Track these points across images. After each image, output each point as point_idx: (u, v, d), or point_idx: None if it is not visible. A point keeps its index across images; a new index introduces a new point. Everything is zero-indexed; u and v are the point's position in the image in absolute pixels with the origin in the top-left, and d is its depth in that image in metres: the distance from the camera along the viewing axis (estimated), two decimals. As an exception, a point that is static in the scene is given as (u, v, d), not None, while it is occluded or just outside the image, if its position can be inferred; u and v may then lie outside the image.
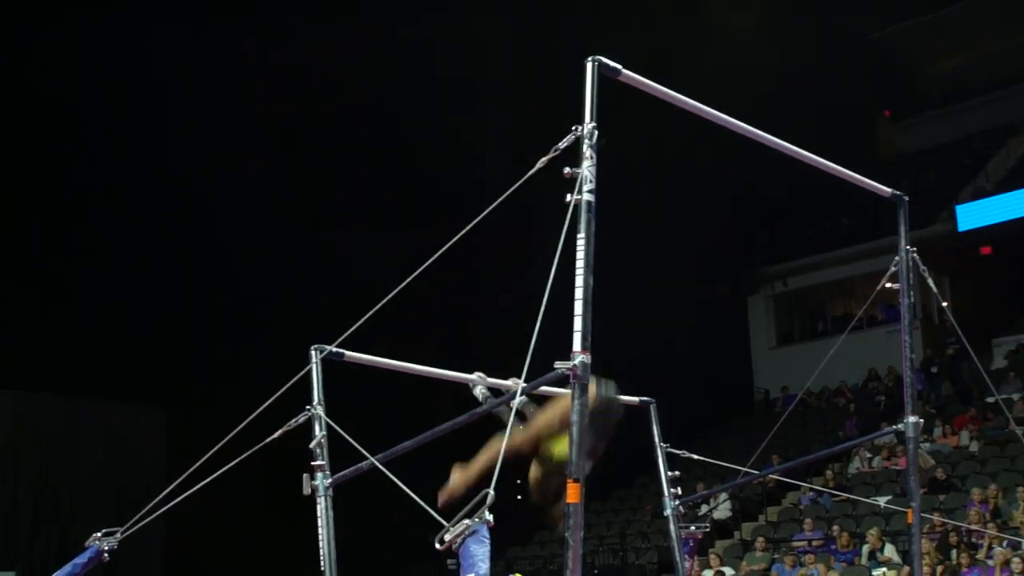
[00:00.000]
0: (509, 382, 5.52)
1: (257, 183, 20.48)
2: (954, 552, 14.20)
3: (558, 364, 4.04)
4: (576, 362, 4.02)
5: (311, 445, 4.97)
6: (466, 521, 3.63)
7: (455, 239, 4.77)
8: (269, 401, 5.16)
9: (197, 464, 5.28)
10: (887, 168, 27.25)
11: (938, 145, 28.96)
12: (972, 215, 23.43)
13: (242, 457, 5.34)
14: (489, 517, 3.64)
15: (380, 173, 22.41)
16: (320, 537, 4.91)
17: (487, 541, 3.67)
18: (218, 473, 5.33)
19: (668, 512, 7.76)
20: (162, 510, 5.52)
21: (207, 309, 20.33)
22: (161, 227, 20.28)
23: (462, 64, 21.60)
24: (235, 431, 5.24)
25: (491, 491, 3.65)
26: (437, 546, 3.68)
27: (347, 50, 20.55)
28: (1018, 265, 25.50)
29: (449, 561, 18.00)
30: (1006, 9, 28.22)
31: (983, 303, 24.16)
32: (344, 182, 21.71)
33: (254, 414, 5.14)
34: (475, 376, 5.55)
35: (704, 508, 18.11)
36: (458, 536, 3.61)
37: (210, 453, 5.39)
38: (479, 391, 5.47)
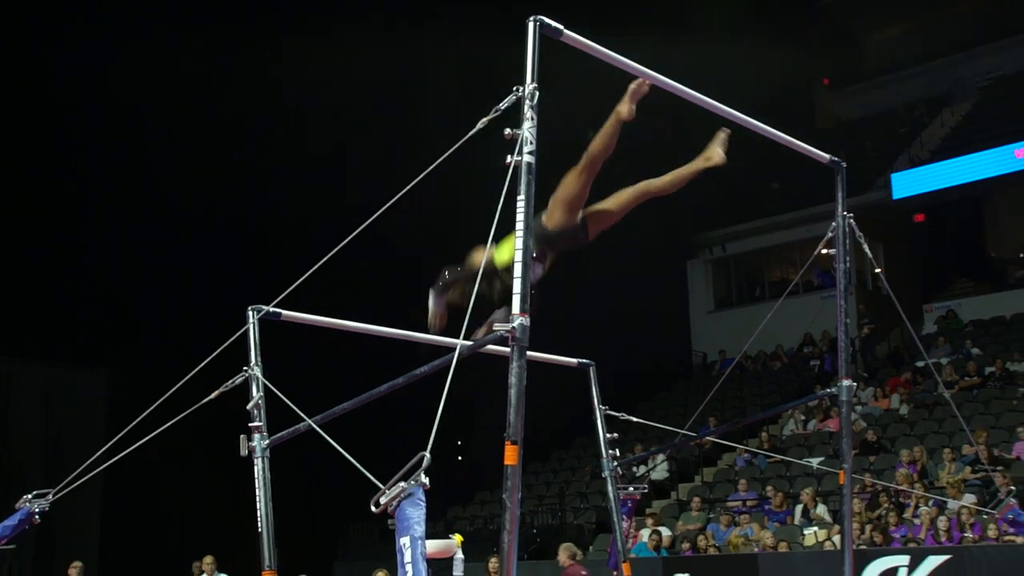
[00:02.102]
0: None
1: (196, 142, 20.16)
2: (883, 512, 14.47)
3: (497, 325, 4.01)
4: (515, 324, 3.98)
5: (248, 406, 4.90)
6: (401, 484, 3.60)
7: (393, 199, 4.70)
8: (204, 362, 5.06)
9: (131, 425, 5.19)
10: (825, 135, 27.53)
11: (876, 114, 29.31)
12: (907, 183, 23.65)
13: (177, 419, 5.26)
14: (425, 480, 3.61)
15: (317, 137, 22.13)
16: (258, 498, 4.86)
17: (422, 504, 3.64)
18: (152, 435, 5.24)
19: (606, 473, 7.81)
20: (96, 471, 5.42)
21: (148, 270, 20.00)
22: (100, 188, 19.90)
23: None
24: (169, 392, 5.15)
25: (427, 454, 3.62)
26: (373, 509, 3.64)
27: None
28: (950, 233, 25.98)
29: (389, 521, 18.09)
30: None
31: (915, 269, 24.57)
32: (282, 145, 21.48)
33: (189, 375, 5.06)
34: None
35: (642, 469, 18.29)
36: (393, 499, 3.59)
37: (144, 414, 5.30)
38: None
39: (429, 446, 3.60)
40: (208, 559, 13.19)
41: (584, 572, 11.66)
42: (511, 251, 4.23)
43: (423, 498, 3.65)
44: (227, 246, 20.35)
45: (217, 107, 20.58)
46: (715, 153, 5.25)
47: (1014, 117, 24.65)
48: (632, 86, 4.94)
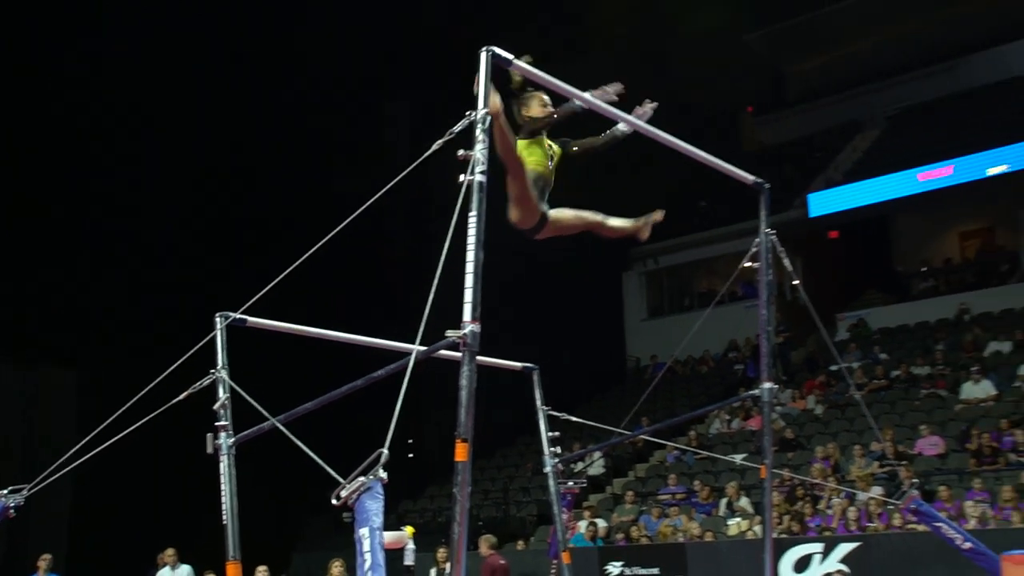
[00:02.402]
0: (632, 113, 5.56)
1: (167, 148, 19.89)
2: (800, 503, 14.64)
3: (449, 332, 4.02)
4: (466, 331, 4.00)
5: (215, 407, 4.86)
6: (361, 478, 3.60)
7: (355, 214, 4.70)
8: (174, 366, 5.01)
9: (103, 426, 5.11)
10: (749, 158, 27.79)
11: (795, 139, 29.64)
12: (822, 202, 23.92)
13: (146, 419, 5.19)
14: (383, 474, 3.61)
15: (286, 150, 21.95)
16: (223, 493, 4.82)
17: (381, 497, 3.64)
18: (122, 434, 5.16)
19: (548, 469, 7.83)
20: (68, 468, 5.33)
21: (119, 274, 19.68)
22: (72, 193, 19.53)
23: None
24: (140, 395, 5.08)
25: (385, 451, 3.62)
26: (334, 502, 3.63)
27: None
28: (860, 248, 26.30)
29: (344, 515, 17.94)
30: (856, 18, 29.04)
31: (830, 282, 24.84)
32: (260, 158, 21.27)
33: (158, 379, 5.00)
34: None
35: (580, 465, 18.32)
36: (354, 492, 3.58)
37: (115, 416, 5.22)
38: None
39: (387, 443, 3.60)
40: (170, 551, 12.97)
41: (502, 561, 11.69)
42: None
43: (381, 492, 3.65)
44: (196, 252, 20.10)
45: (188, 115, 20.34)
46: (645, 230, 5.84)
47: (918, 144, 25.08)
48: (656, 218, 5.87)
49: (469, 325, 3.99)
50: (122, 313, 19.86)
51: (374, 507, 3.56)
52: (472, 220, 4.09)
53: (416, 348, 4.15)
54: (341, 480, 3.64)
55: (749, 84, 30.54)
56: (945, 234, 25.88)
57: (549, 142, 5.35)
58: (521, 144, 5.14)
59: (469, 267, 4.04)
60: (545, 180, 5.31)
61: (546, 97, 5.25)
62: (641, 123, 5.31)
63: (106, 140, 19.56)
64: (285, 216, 19.58)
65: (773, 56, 31.40)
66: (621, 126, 5.49)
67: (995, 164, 21.75)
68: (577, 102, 5.09)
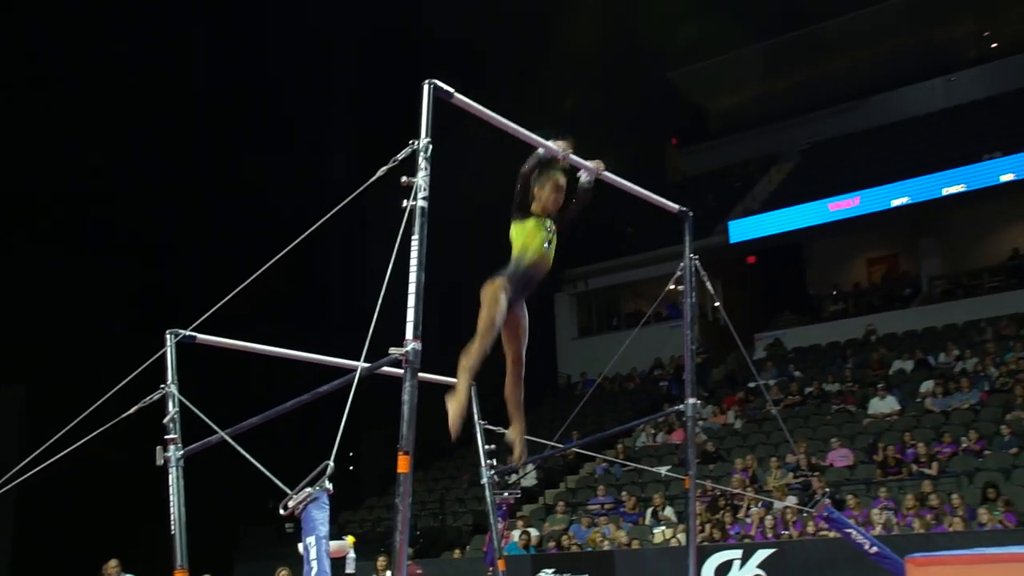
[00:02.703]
0: (591, 164, 5.40)
1: (117, 165, 19.53)
2: (721, 512, 14.79)
3: (392, 350, 4.02)
4: (408, 348, 4.01)
5: (164, 420, 4.79)
6: (308, 489, 3.58)
7: (302, 237, 4.68)
8: (124, 382, 4.94)
9: (49, 443, 5.00)
10: (674, 187, 28.16)
11: (716, 169, 30.08)
12: (741, 230, 24.17)
13: (94, 433, 5.09)
14: (329, 485, 3.60)
15: (238, 182, 21.65)
16: (171, 504, 4.74)
17: (327, 507, 3.63)
18: (68, 450, 5.05)
19: (485, 480, 7.82)
20: (10, 485, 5.19)
21: (67, 290, 19.20)
22: (19, 207, 19.02)
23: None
24: (88, 411, 4.99)
25: (331, 463, 3.61)
26: (281, 511, 3.61)
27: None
28: (776, 272, 26.68)
29: (287, 525, 17.69)
30: (772, 59, 29.69)
31: (748, 304, 25.19)
32: (208, 176, 20.98)
33: (109, 393, 4.92)
34: (562, 144, 5.18)
35: (514, 477, 18.30)
36: (301, 502, 3.56)
37: (61, 433, 5.11)
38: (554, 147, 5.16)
39: (332, 455, 3.59)
40: (113, 562, 12.60)
41: (419, 571, 11.63)
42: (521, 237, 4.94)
43: (327, 502, 3.63)
44: (144, 268, 19.72)
45: (136, 134, 20.00)
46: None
47: (828, 176, 25.61)
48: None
49: (411, 343, 4.00)
50: (72, 329, 19.38)
51: (320, 516, 3.55)
52: (414, 244, 4.10)
53: (361, 365, 4.14)
54: (288, 491, 3.62)
55: (674, 118, 31.00)
56: (854, 260, 26.41)
57: (547, 220, 5.16)
58: (521, 227, 5.02)
59: (411, 288, 4.05)
60: (539, 268, 5.13)
61: (562, 181, 5.15)
62: (588, 165, 5.35)
63: (54, 156, 19.10)
64: (234, 234, 19.32)
65: (696, 92, 31.92)
66: (584, 176, 5.42)
67: (898, 196, 22.29)
68: (584, 175, 5.14)
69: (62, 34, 19.19)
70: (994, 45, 29.05)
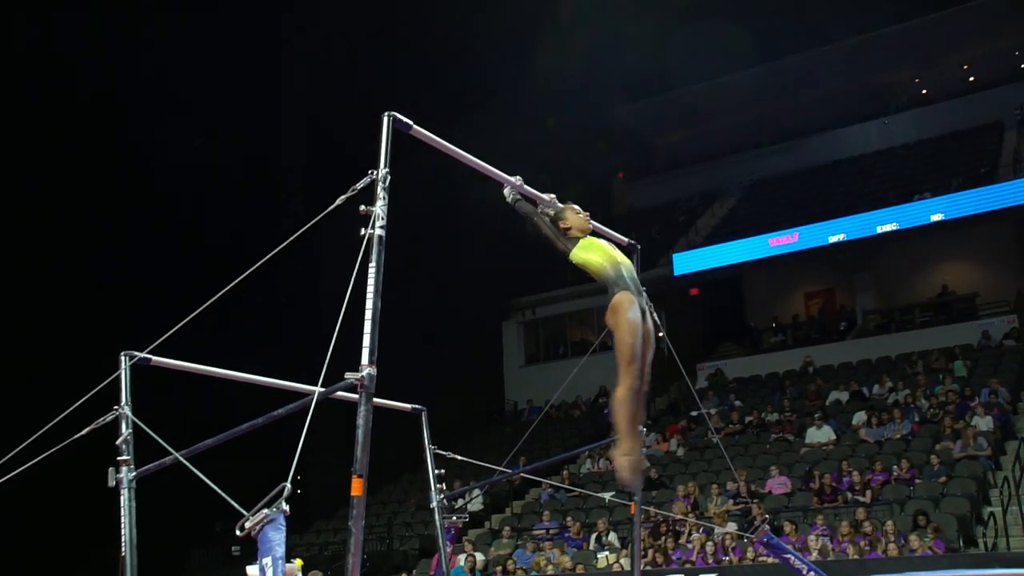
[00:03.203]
0: (546, 196, 5.40)
1: (75, 186, 19.25)
2: (663, 538, 14.86)
3: (348, 375, 4.02)
4: (363, 374, 4.01)
5: (117, 442, 4.72)
6: (265, 510, 3.56)
7: (260, 262, 4.67)
8: (76, 405, 4.86)
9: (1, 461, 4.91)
10: (621, 220, 28.41)
11: (661, 203, 30.43)
12: (685, 262, 24.38)
13: (45, 455, 4.99)
14: (286, 507, 3.58)
15: (196, 206, 21.40)
16: (122, 524, 4.67)
17: (283, 528, 3.60)
18: (17, 471, 4.96)
19: (435, 504, 7.78)
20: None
21: (20, 310, 18.79)
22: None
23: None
24: (41, 431, 4.90)
25: (288, 484, 3.59)
26: (238, 532, 3.58)
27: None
28: (718, 304, 26.99)
29: (233, 548, 17.39)
30: (716, 99, 30.20)
31: (691, 334, 25.42)
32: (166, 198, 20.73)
33: (61, 415, 4.85)
34: (515, 179, 5.24)
35: (460, 501, 18.23)
36: (257, 524, 3.53)
37: (13, 453, 5.01)
38: (508, 192, 5.26)
39: (289, 477, 3.58)
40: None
41: None
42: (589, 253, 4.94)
43: (284, 523, 3.61)
44: (97, 289, 19.39)
45: (95, 156, 19.76)
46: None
47: (769, 212, 26.09)
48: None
49: (367, 368, 3.99)
50: (21, 348, 18.94)
51: (277, 538, 3.53)
52: (371, 271, 4.11)
53: (317, 389, 4.14)
54: (244, 512, 3.59)
55: (621, 153, 31.38)
56: (792, 294, 26.84)
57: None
58: (581, 248, 5.09)
59: (368, 314, 4.05)
60: (616, 264, 5.07)
61: (576, 206, 5.26)
62: (527, 189, 5.42)
63: (17, 176, 18.79)
64: (189, 256, 19.11)
65: (643, 128, 32.37)
66: (507, 191, 5.49)
67: (835, 233, 22.74)
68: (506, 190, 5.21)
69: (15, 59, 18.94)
70: (925, 92, 29.95)
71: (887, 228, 22.20)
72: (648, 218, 29.43)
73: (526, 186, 5.27)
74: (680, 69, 28.49)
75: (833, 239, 22.77)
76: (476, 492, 18.30)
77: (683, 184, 30.51)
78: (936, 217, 21.74)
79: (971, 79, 29.27)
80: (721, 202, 29.07)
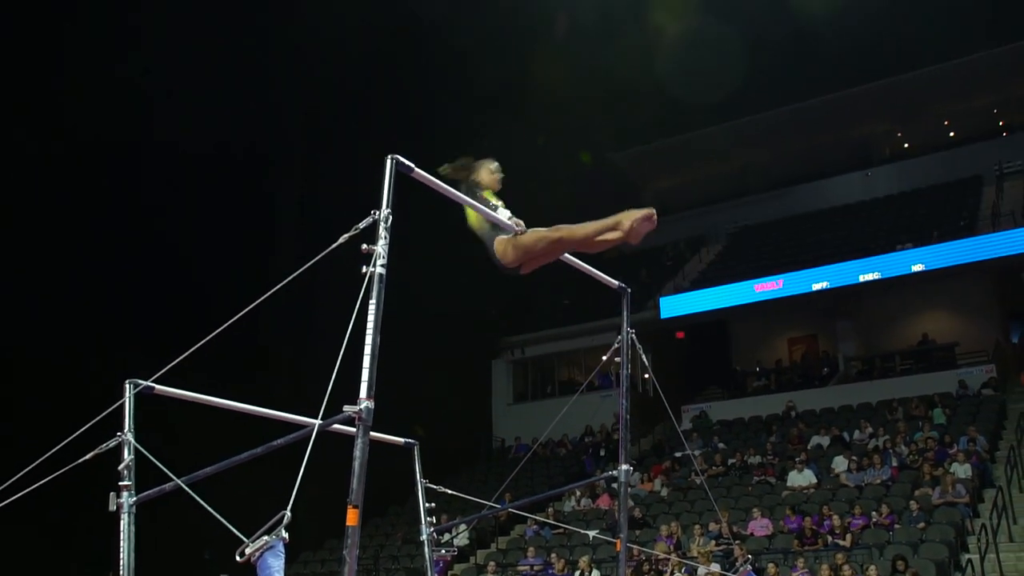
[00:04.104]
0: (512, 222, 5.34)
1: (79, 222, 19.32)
2: (645, 577, 14.81)
3: (347, 408, 4.08)
4: (361, 407, 4.07)
5: (119, 468, 4.77)
6: (265, 537, 3.60)
7: (264, 297, 4.74)
8: (81, 431, 4.90)
9: (6, 484, 4.94)
10: (609, 263, 28.57)
11: (649, 248, 30.60)
12: (672, 306, 24.53)
13: (47, 479, 5.02)
14: (285, 534, 3.63)
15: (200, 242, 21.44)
16: (121, 549, 4.70)
17: (282, 555, 3.65)
18: (20, 495, 4.98)
19: (424, 537, 7.79)
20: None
21: (26, 337, 18.78)
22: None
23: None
24: (45, 456, 4.94)
25: (287, 512, 3.64)
26: (238, 558, 3.62)
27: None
28: (703, 348, 27.06)
29: (221, 575, 17.22)
30: (705, 148, 30.58)
31: (676, 376, 25.49)
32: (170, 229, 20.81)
33: (67, 440, 4.88)
34: (510, 219, 5.22)
35: (447, 536, 18.14)
36: (257, 550, 3.58)
37: (18, 476, 5.04)
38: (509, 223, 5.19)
39: (290, 505, 3.63)
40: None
41: None
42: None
43: (283, 550, 3.65)
44: (101, 318, 19.40)
45: (95, 187, 19.85)
46: (635, 229, 5.14)
47: (755, 259, 26.31)
48: (641, 215, 5.13)
49: (364, 402, 4.05)
50: (28, 376, 18.87)
51: (276, 564, 3.57)
52: (371, 308, 4.19)
53: (316, 422, 4.20)
54: (244, 539, 3.64)
55: (611, 197, 31.56)
56: (776, 339, 26.95)
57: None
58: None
59: (367, 349, 4.12)
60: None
61: (492, 164, 5.48)
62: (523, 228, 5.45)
63: (28, 207, 18.90)
64: (194, 289, 19.17)
65: (633, 173, 32.66)
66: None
67: (819, 280, 22.94)
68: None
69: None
70: (907, 145, 30.37)
71: (869, 277, 22.40)
72: (637, 261, 29.52)
73: (522, 223, 5.33)
74: (669, 117, 28.85)
75: (816, 287, 22.94)
76: (462, 527, 18.20)
77: (671, 229, 30.57)
78: (917, 267, 21.96)
79: (951, 134, 29.72)
80: (708, 248, 29.30)
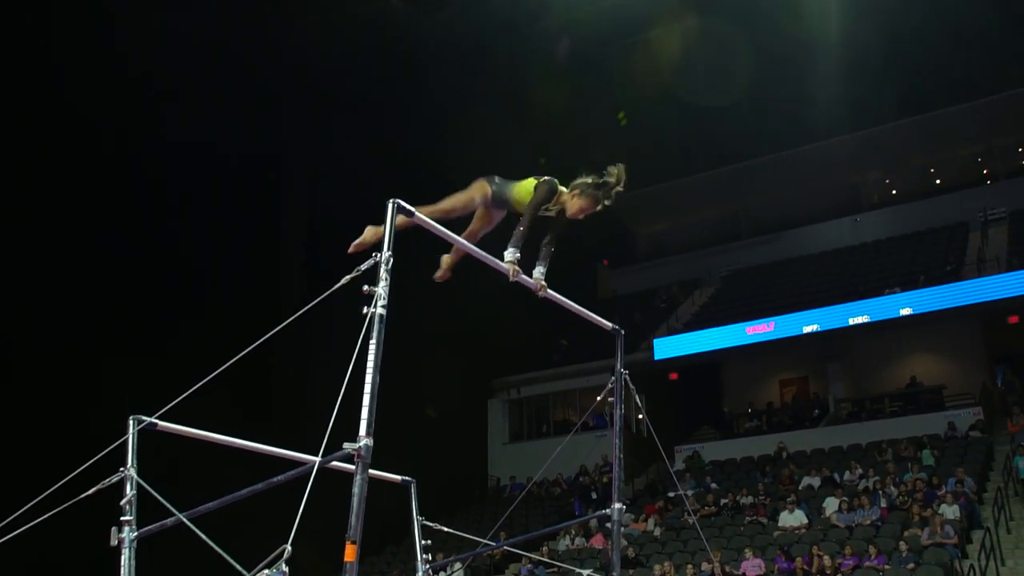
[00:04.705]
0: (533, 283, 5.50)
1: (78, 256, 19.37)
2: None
3: (347, 445, 4.10)
4: (361, 444, 4.09)
5: (122, 503, 4.78)
6: (266, 571, 3.62)
7: (265, 337, 4.78)
8: (84, 466, 4.93)
9: (11, 518, 4.94)
10: (604, 305, 28.66)
11: (643, 290, 30.74)
12: (665, 348, 24.56)
13: (51, 513, 5.03)
14: (285, 568, 3.64)
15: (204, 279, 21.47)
16: (122, 585, 4.71)
17: (282, 589, 3.67)
18: (22, 528, 4.98)
19: (420, 574, 7.76)
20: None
21: (27, 372, 18.75)
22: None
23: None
24: (49, 491, 4.96)
25: (288, 547, 3.66)
26: (238, 591, 3.64)
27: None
28: (696, 389, 27.03)
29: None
30: (697, 193, 30.82)
31: (669, 417, 25.45)
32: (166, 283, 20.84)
33: (69, 476, 4.91)
34: (511, 267, 5.29)
35: (442, 574, 18.00)
36: (257, 583, 3.60)
37: (19, 512, 5.05)
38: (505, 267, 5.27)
39: (290, 539, 3.65)
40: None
41: None
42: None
43: (283, 585, 3.67)
44: (103, 353, 19.38)
45: (94, 223, 19.91)
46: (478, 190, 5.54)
47: (747, 301, 26.40)
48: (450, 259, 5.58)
49: (364, 439, 4.08)
50: (30, 410, 18.78)
51: (276, 598, 3.59)
52: (372, 347, 4.23)
53: (317, 459, 4.23)
54: (245, 573, 3.65)
55: (605, 241, 31.78)
56: (767, 381, 26.94)
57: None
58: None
59: (367, 388, 4.15)
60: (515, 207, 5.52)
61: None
62: (522, 277, 5.48)
63: (26, 239, 18.92)
64: (199, 326, 19.17)
65: (627, 218, 32.85)
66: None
67: (809, 323, 23.01)
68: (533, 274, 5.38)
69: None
70: (894, 192, 30.63)
71: (858, 320, 22.48)
72: (631, 304, 29.68)
73: (522, 274, 5.39)
74: (665, 163, 29.09)
75: (807, 329, 23.01)
76: (458, 565, 18.07)
77: (665, 272, 30.88)
78: (905, 311, 22.05)
79: (937, 182, 29.98)
80: (701, 290, 29.40)
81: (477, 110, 23.90)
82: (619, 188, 5.41)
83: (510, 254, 5.30)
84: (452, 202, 5.45)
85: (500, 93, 24.89)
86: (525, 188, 5.47)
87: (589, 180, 5.44)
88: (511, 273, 5.28)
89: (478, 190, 5.50)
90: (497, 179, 5.57)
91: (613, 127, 27.78)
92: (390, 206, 4.54)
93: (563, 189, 5.53)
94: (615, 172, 5.40)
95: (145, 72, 19.55)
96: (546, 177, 5.47)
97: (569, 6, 24.02)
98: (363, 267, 4.41)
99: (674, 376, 26.09)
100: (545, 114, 25.34)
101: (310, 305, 4.60)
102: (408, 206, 4.73)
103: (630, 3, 23.54)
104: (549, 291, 5.60)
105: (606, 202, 5.45)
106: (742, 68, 24.65)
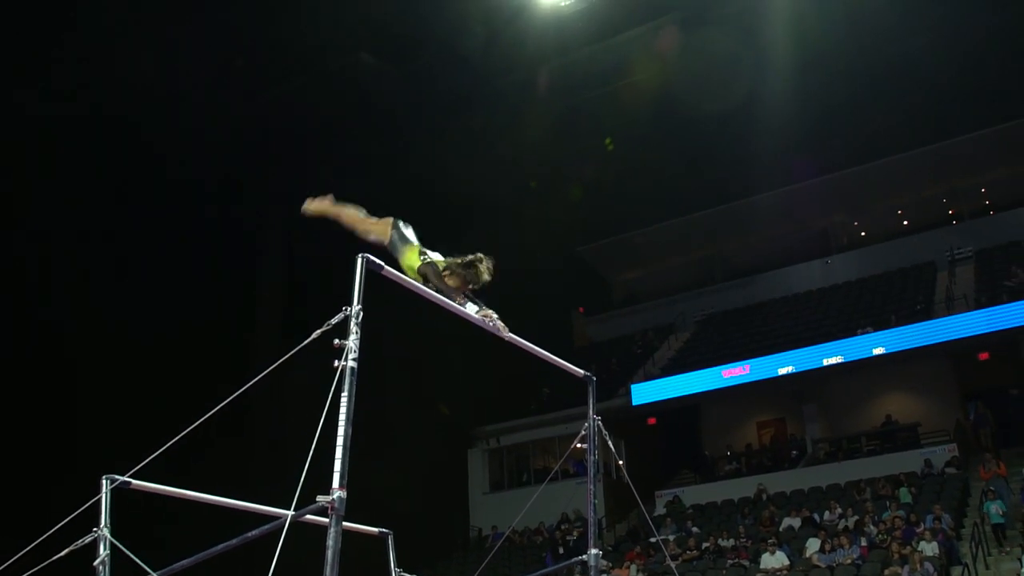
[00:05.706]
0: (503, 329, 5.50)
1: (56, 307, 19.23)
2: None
3: (320, 498, 4.10)
4: (334, 497, 4.09)
5: (95, 563, 4.73)
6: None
7: (238, 392, 4.79)
8: (58, 526, 4.88)
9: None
10: (580, 352, 28.72)
11: (619, 336, 30.80)
12: (642, 393, 24.52)
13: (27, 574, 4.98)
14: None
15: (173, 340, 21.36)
16: (96, 646, 4.64)
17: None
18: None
19: (398, 626, 7.66)
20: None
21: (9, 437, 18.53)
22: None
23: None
24: (23, 552, 4.90)
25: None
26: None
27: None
28: (675, 433, 26.98)
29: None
30: (670, 240, 31.09)
31: (649, 462, 25.36)
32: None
33: (43, 536, 4.86)
34: (487, 319, 5.39)
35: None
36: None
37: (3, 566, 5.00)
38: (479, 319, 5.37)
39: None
40: None
41: None
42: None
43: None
44: (79, 413, 19.17)
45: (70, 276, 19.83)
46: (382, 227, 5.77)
47: (722, 345, 26.50)
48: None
49: (337, 491, 4.08)
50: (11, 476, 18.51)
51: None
52: (343, 400, 4.24)
53: (289, 513, 4.22)
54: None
55: (580, 288, 31.92)
56: (745, 423, 26.96)
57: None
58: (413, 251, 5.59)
59: (339, 440, 4.15)
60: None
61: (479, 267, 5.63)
62: (496, 325, 5.55)
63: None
64: (169, 384, 19.02)
65: (601, 266, 33.05)
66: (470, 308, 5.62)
67: (784, 365, 23.12)
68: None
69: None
70: (863, 233, 31.04)
71: (833, 361, 22.63)
72: (607, 350, 29.71)
73: (500, 323, 5.44)
74: (638, 211, 29.36)
75: (782, 371, 23.12)
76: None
77: (640, 318, 31.00)
78: (878, 351, 22.22)
79: (905, 223, 30.42)
80: (676, 335, 29.51)
81: (454, 157, 24.10)
82: (486, 277, 5.54)
83: (472, 308, 5.40)
84: (354, 219, 5.77)
85: (475, 140, 25.09)
86: (410, 258, 5.62)
87: (458, 260, 5.56)
88: (486, 322, 5.36)
89: (380, 230, 5.72)
90: (401, 226, 5.77)
91: (578, 184, 28.02)
92: (359, 260, 4.58)
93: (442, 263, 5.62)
94: (483, 264, 5.53)
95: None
96: (426, 258, 5.58)
97: (540, 58, 24.32)
98: (333, 321, 4.44)
99: (652, 421, 26.10)
100: (520, 153, 25.60)
101: (281, 360, 4.62)
102: (377, 260, 4.78)
103: (597, 56, 23.91)
104: (514, 336, 5.64)
105: (471, 286, 5.52)
106: (704, 121, 25.05)
